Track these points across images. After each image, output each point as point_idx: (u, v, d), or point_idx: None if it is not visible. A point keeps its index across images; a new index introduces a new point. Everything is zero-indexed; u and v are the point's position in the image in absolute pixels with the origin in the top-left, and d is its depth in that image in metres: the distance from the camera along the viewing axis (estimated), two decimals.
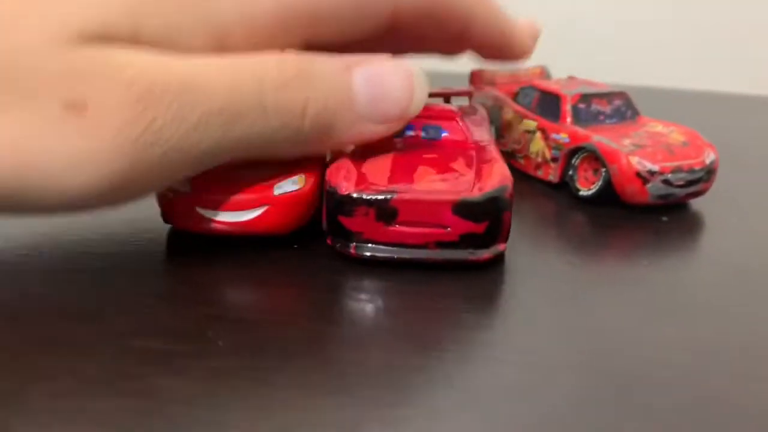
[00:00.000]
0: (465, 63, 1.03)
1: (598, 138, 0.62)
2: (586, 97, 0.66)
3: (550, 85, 0.68)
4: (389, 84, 0.50)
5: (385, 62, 0.50)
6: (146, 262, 0.50)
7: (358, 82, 0.48)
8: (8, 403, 0.36)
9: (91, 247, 0.51)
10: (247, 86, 0.44)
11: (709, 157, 0.61)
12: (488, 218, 0.49)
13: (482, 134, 0.58)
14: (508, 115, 0.70)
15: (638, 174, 0.59)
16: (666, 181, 0.59)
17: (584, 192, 0.63)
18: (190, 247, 0.52)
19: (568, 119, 0.65)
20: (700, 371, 0.41)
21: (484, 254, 0.49)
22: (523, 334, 0.43)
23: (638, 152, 0.60)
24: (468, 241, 0.49)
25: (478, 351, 0.42)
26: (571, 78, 0.73)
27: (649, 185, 0.59)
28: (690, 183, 0.60)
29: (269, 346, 0.41)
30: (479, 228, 0.49)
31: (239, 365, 0.39)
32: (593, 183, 0.62)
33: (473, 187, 0.49)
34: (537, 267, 0.51)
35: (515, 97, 0.71)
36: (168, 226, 0.54)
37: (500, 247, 0.50)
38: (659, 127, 0.65)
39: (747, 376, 0.40)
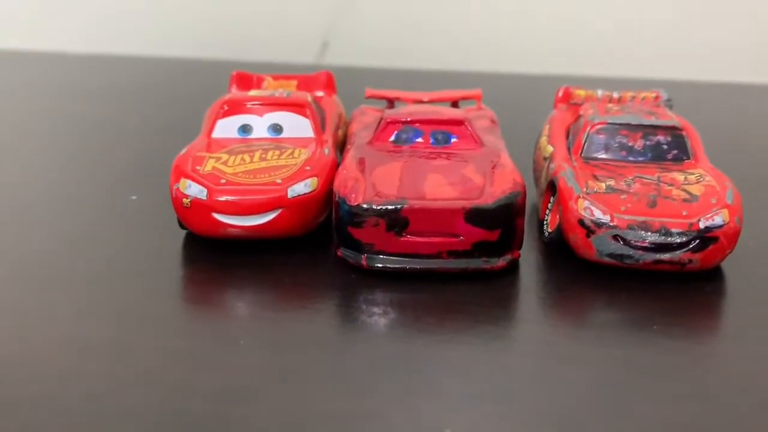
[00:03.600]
0: (474, 62, 1.02)
1: (566, 172, 0.52)
2: (611, 127, 0.55)
3: (588, 110, 0.58)
4: None
5: None
6: (163, 267, 0.51)
7: None
8: None
9: (108, 253, 0.53)
10: None
11: (711, 220, 0.48)
12: (501, 226, 0.48)
13: (493, 139, 0.57)
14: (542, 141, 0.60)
15: (581, 222, 0.49)
16: (618, 238, 0.48)
17: (547, 234, 0.54)
18: (206, 251, 0.53)
19: (581, 150, 0.55)
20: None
21: (499, 262, 0.48)
22: (538, 327, 0.46)
23: (596, 196, 0.50)
24: (481, 249, 0.48)
25: (493, 343, 0.44)
26: (653, 105, 0.61)
27: (593, 238, 0.49)
28: (661, 248, 0.48)
29: (288, 342, 0.43)
30: (492, 236, 0.48)
31: (261, 362, 0.41)
32: (555, 226, 0.53)
33: (485, 193, 0.48)
34: (550, 269, 0.52)
35: (576, 120, 0.59)
36: (184, 232, 0.55)
37: (514, 254, 0.49)
38: (690, 175, 0.52)
39: None
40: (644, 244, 0.48)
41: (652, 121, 0.56)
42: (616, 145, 0.55)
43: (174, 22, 1.12)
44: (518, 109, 0.56)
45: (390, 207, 0.48)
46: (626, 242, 0.48)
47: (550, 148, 0.58)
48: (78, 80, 1.01)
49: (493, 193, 0.49)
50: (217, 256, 0.52)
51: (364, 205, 0.48)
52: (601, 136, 0.55)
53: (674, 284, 0.49)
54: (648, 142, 0.55)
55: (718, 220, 0.48)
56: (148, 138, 0.77)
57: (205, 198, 0.50)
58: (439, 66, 1.03)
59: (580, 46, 1.05)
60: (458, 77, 0.83)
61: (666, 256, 0.48)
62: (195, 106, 0.69)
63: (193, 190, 0.51)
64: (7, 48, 1.12)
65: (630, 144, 0.55)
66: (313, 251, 0.53)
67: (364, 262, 0.49)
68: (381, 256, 0.49)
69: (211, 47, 1.10)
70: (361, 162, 0.53)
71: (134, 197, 0.61)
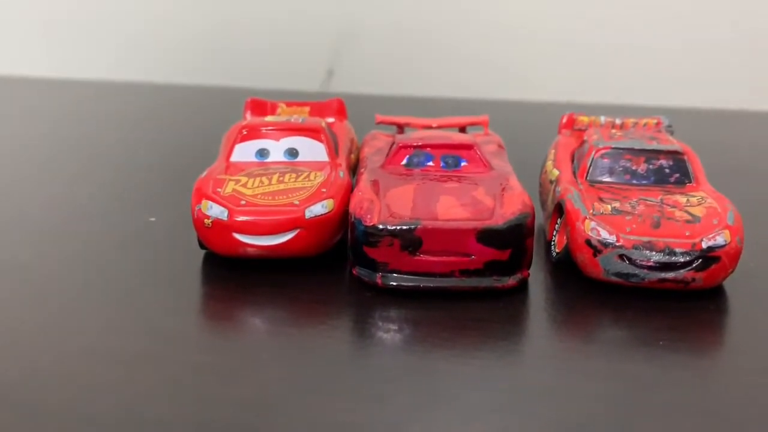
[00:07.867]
0: (481, 90, 1.05)
1: (573, 195, 0.54)
2: (615, 152, 0.58)
3: (592, 136, 0.61)
4: None
5: None
6: (185, 285, 0.53)
7: None
8: None
9: (130, 272, 0.54)
10: None
11: (713, 240, 0.50)
12: (511, 245, 0.50)
13: (501, 163, 0.59)
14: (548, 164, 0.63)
15: (588, 242, 0.51)
16: (625, 257, 0.50)
17: (555, 254, 0.56)
18: (226, 270, 0.54)
19: (586, 173, 0.57)
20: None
21: (509, 281, 0.50)
22: (548, 343, 0.47)
23: (602, 218, 0.52)
24: (492, 268, 0.50)
25: (505, 357, 0.45)
26: (655, 131, 0.63)
27: (600, 258, 0.51)
28: (666, 267, 0.50)
29: (308, 357, 0.45)
30: (503, 255, 0.50)
31: (282, 375, 0.43)
32: (563, 246, 0.55)
33: (496, 215, 0.50)
34: (558, 288, 0.53)
35: (581, 145, 0.62)
36: (202, 252, 0.56)
37: (524, 273, 0.51)
38: (691, 198, 0.54)
39: None
40: (649, 264, 0.50)
41: (654, 146, 0.58)
42: (620, 168, 0.57)
43: (184, 52, 1.15)
44: (523, 134, 0.58)
45: (404, 227, 0.50)
46: (632, 261, 0.50)
47: (556, 172, 0.60)
48: (100, 106, 1.03)
49: (503, 215, 0.51)
50: (236, 275, 0.53)
51: (380, 226, 0.50)
52: (605, 160, 0.58)
53: (678, 302, 0.51)
54: (651, 166, 0.57)
55: (720, 240, 0.50)
56: (164, 162, 0.79)
57: (225, 218, 0.52)
58: (443, 93, 1.05)
59: (583, 75, 1.08)
60: (463, 104, 0.86)
61: (670, 275, 0.50)
62: (206, 131, 0.71)
63: (215, 211, 0.52)
64: (33, 76, 1.15)
65: (633, 168, 0.57)
66: (329, 270, 0.54)
67: (378, 281, 0.51)
68: (395, 275, 0.50)
69: (219, 75, 1.13)
70: (375, 184, 0.55)
71: (153, 219, 0.62)
